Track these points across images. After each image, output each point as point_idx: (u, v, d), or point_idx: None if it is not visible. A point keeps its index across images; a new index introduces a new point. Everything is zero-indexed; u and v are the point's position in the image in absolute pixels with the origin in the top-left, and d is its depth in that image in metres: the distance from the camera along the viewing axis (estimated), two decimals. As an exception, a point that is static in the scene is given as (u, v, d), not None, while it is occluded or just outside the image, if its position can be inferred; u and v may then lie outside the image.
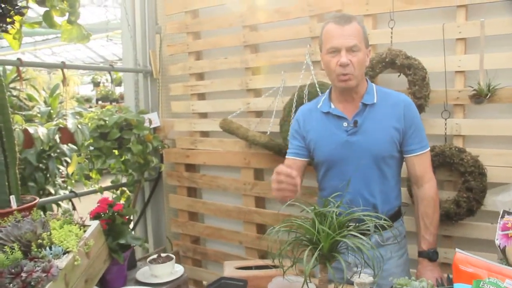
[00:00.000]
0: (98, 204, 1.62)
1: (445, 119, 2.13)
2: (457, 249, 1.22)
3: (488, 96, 1.98)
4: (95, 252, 1.46)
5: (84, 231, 1.45)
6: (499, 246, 1.27)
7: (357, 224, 1.31)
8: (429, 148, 1.77)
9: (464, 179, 2.05)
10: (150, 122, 3.01)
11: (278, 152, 2.50)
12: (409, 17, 2.19)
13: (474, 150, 2.08)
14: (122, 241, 1.57)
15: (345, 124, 1.73)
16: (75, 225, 1.45)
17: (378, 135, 1.70)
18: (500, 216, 1.32)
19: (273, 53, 2.60)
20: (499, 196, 1.51)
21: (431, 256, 1.68)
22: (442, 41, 2.10)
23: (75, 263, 1.31)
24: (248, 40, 2.67)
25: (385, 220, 1.28)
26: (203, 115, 2.98)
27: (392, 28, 2.18)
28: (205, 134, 3.01)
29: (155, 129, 3.13)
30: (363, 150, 1.70)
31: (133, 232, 3.14)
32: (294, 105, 2.42)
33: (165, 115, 3.27)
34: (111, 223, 1.60)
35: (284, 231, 1.35)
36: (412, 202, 2.14)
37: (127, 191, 3.07)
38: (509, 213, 1.32)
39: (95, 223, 1.51)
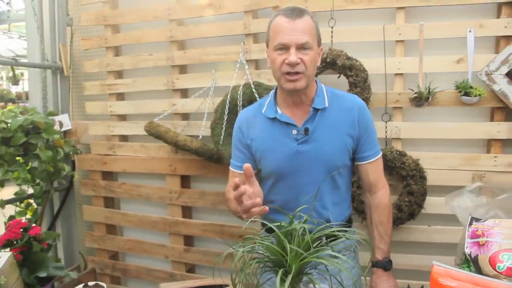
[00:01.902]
0: (9, 228, 1.29)
1: (386, 122, 2.09)
2: (434, 262, 1.13)
3: (429, 100, 1.97)
4: (5, 288, 1.16)
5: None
6: (469, 255, 1.20)
7: (328, 240, 1.17)
8: (381, 153, 1.66)
9: (406, 183, 2.02)
10: (61, 125, 2.66)
11: (209, 157, 2.31)
12: (350, 16, 2.13)
13: (413, 153, 2.06)
14: (42, 274, 1.26)
15: (294, 131, 1.55)
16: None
17: (331, 144, 1.54)
18: (468, 223, 1.26)
19: (203, 50, 2.40)
20: (454, 201, 1.46)
21: (386, 265, 1.59)
22: (382, 43, 2.06)
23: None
24: (175, 35, 2.45)
25: (358, 232, 1.15)
26: (123, 117, 2.70)
27: (332, 27, 2.09)
28: (124, 138, 2.73)
29: (65, 132, 2.78)
30: (315, 160, 1.54)
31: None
32: (227, 107, 2.25)
33: (77, 117, 2.93)
34: (27, 251, 1.28)
35: (249, 252, 1.14)
36: (354, 208, 2.07)
37: (34, 204, 2.68)
38: (477, 220, 1.26)
39: (7, 255, 1.18)
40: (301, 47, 1.45)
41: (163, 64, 2.50)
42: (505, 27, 1.93)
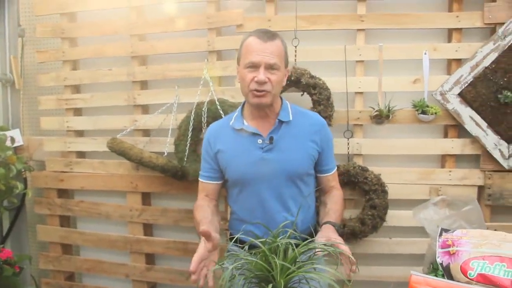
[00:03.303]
0: (-23, 252, 1.23)
1: (348, 139, 2.17)
2: (412, 271, 1.19)
3: (389, 117, 2.07)
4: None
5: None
6: (441, 264, 1.28)
7: (312, 254, 1.21)
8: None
9: (369, 197, 2.11)
10: (12, 140, 2.53)
11: (174, 174, 2.29)
12: (313, 37, 2.20)
13: (373, 168, 2.15)
14: (14, 299, 1.21)
15: (259, 141, 1.65)
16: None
17: (295, 153, 1.65)
18: (438, 234, 1.34)
19: (165, 66, 2.39)
20: (421, 214, 1.55)
21: (335, 226, 1.57)
22: (343, 62, 2.14)
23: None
24: (136, 51, 2.41)
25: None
26: (80, 133, 2.62)
27: (296, 47, 2.16)
28: (82, 155, 2.64)
29: (15, 149, 2.65)
30: (279, 168, 1.63)
31: None
32: (191, 123, 2.25)
33: (29, 132, 2.80)
34: (-3, 275, 1.22)
35: (237, 269, 1.15)
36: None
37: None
38: (446, 231, 1.35)
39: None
40: (270, 67, 1.57)
41: (123, 80, 2.45)
42: (456, 51, 2.07)
